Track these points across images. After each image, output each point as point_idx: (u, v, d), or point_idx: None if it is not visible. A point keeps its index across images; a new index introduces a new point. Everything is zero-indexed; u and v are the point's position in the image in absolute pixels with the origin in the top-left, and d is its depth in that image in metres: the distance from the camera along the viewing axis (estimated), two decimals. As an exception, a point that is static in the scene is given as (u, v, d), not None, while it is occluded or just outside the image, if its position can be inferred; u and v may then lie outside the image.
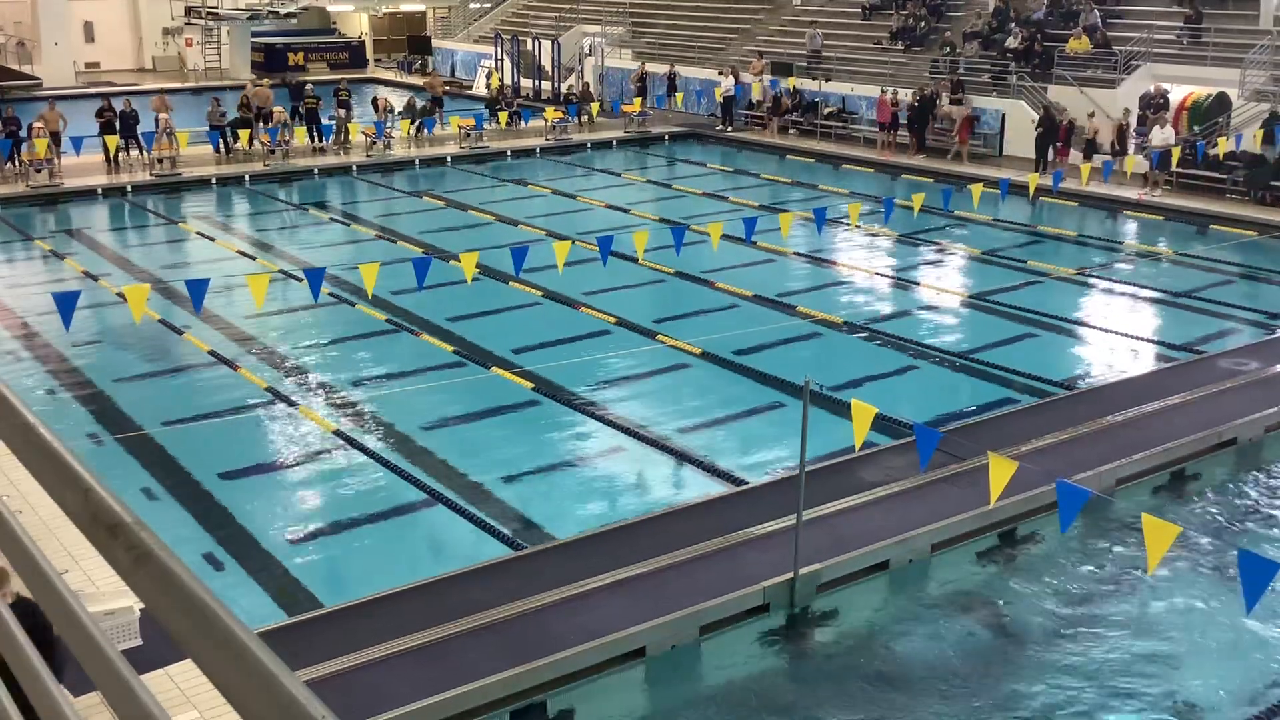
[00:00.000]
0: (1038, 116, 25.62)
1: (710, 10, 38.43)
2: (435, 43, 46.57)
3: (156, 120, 25.88)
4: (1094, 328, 16.12)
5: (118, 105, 26.43)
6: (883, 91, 27.98)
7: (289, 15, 47.52)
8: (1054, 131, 25.05)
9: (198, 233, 21.60)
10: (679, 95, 33.42)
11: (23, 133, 24.79)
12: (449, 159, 28.56)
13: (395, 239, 20.90)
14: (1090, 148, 24.16)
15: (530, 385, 13.41)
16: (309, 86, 29.50)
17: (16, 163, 24.45)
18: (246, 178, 26.07)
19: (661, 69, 34.17)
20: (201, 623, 1.65)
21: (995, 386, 13.75)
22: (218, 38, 43.82)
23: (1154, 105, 24.59)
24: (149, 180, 25.32)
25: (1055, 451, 11.17)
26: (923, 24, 31.54)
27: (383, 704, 7.27)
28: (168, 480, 11.15)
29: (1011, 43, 28.55)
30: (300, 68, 44.89)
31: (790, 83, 31.24)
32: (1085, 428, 11.79)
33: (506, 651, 7.89)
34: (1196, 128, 24.60)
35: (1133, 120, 24.82)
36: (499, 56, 38.87)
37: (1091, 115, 24.92)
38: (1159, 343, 15.45)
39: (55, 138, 24.88)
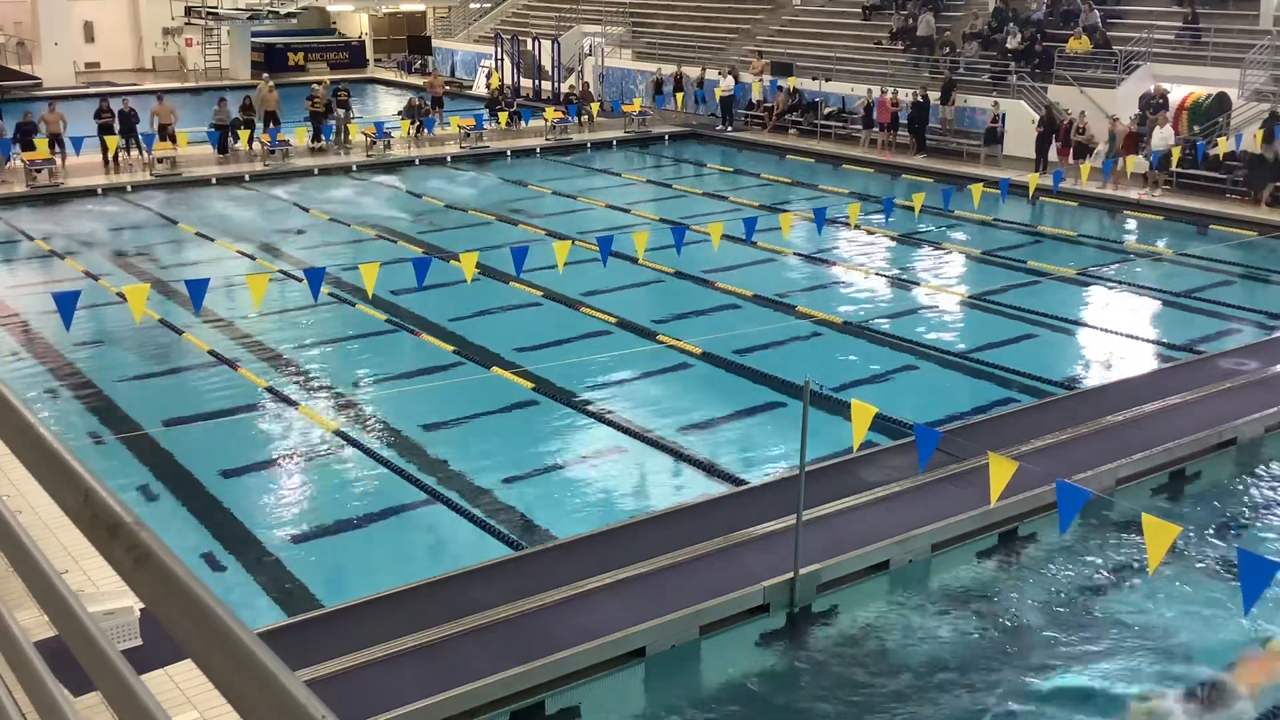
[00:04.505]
0: (1038, 116, 25.62)
1: (710, 10, 38.44)
2: (435, 43, 46.59)
3: (157, 125, 25.85)
4: (1094, 328, 16.12)
5: (115, 106, 26.42)
6: (883, 92, 27.93)
7: (289, 15, 47.51)
8: (1054, 131, 25.04)
9: (198, 233, 21.60)
10: (679, 96, 33.40)
11: (36, 136, 24.84)
12: (449, 159, 28.58)
13: (395, 239, 20.91)
14: (1082, 149, 24.10)
15: (530, 385, 13.41)
16: (313, 86, 29.52)
17: (22, 161, 24.45)
18: (246, 177, 26.10)
19: (669, 69, 34.06)
20: (201, 623, 1.65)
21: (995, 386, 13.75)
22: (218, 38, 43.81)
23: (1154, 105, 24.59)
24: (149, 180, 25.33)
25: (1055, 451, 11.17)
26: (923, 24, 31.52)
27: (383, 704, 7.27)
28: (168, 480, 11.15)
29: (1011, 43, 28.55)
30: (300, 68, 44.94)
31: (790, 83, 31.22)
32: (1085, 428, 11.79)
33: (506, 651, 7.89)
34: (1196, 128, 24.60)
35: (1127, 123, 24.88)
36: (499, 56, 38.88)
37: (1092, 115, 24.91)
38: (1159, 343, 15.46)
39: (57, 139, 24.90)
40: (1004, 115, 25.94)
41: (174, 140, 25.77)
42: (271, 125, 27.89)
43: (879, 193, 24.43)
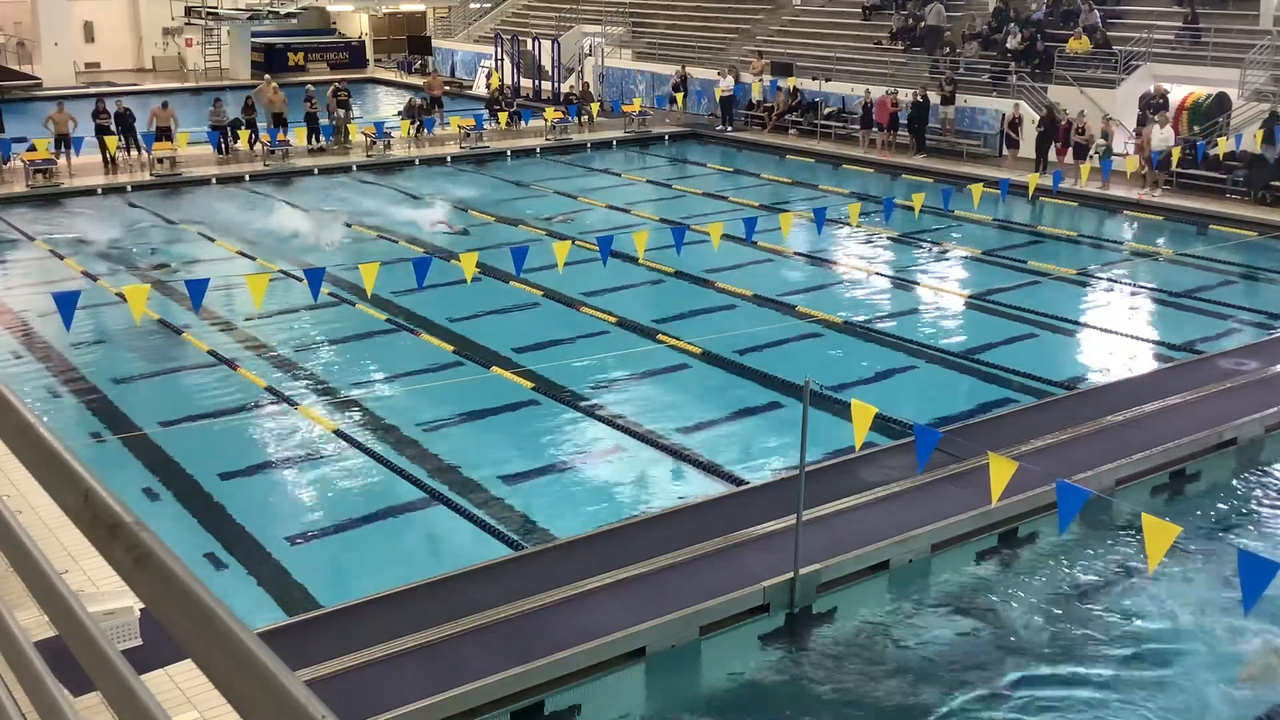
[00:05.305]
0: (1038, 116, 25.61)
1: (710, 10, 38.44)
2: (435, 43, 46.58)
3: (155, 127, 25.80)
4: (1094, 328, 16.12)
5: (110, 107, 26.36)
6: (886, 92, 27.86)
7: (289, 15, 47.51)
8: (1054, 131, 25.03)
9: (198, 233, 21.61)
10: (680, 96, 33.40)
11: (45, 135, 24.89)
12: (449, 159, 28.58)
13: (395, 239, 20.91)
14: (1082, 149, 24.07)
15: (530, 385, 13.41)
16: (307, 87, 29.53)
17: (22, 161, 24.47)
18: (247, 177, 26.11)
19: (672, 70, 34.08)
20: (201, 623, 1.65)
21: (995, 386, 13.75)
22: (218, 38, 43.82)
23: (1154, 105, 24.59)
24: (149, 180, 25.33)
25: (1055, 451, 11.17)
26: (922, 24, 31.52)
27: (383, 704, 7.27)
28: (168, 480, 11.15)
29: (1011, 43, 28.55)
30: (300, 68, 44.94)
31: (790, 83, 31.22)
32: (1085, 428, 11.79)
33: (506, 651, 7.89)
34: (1196, 128, 24.60)
35: (1131, 122, 24.89)
36: (499, 56, 38.89)
37: (1093, 115, 24.89)
38: (1159, 343, 15.46)
39: (64, 139, 24.90)
40: (1021, 119, 25.85)
41: (171, 139, 25.73)
42: (278, 126, 27.85)
43: (879, 193, 24.43)
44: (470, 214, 23.22)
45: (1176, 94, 25.22)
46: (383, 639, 7.97)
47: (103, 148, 25.60)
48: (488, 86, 36.29)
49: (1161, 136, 23.07)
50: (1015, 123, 25.83)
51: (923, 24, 31.34)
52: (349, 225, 22.04)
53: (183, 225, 22.21)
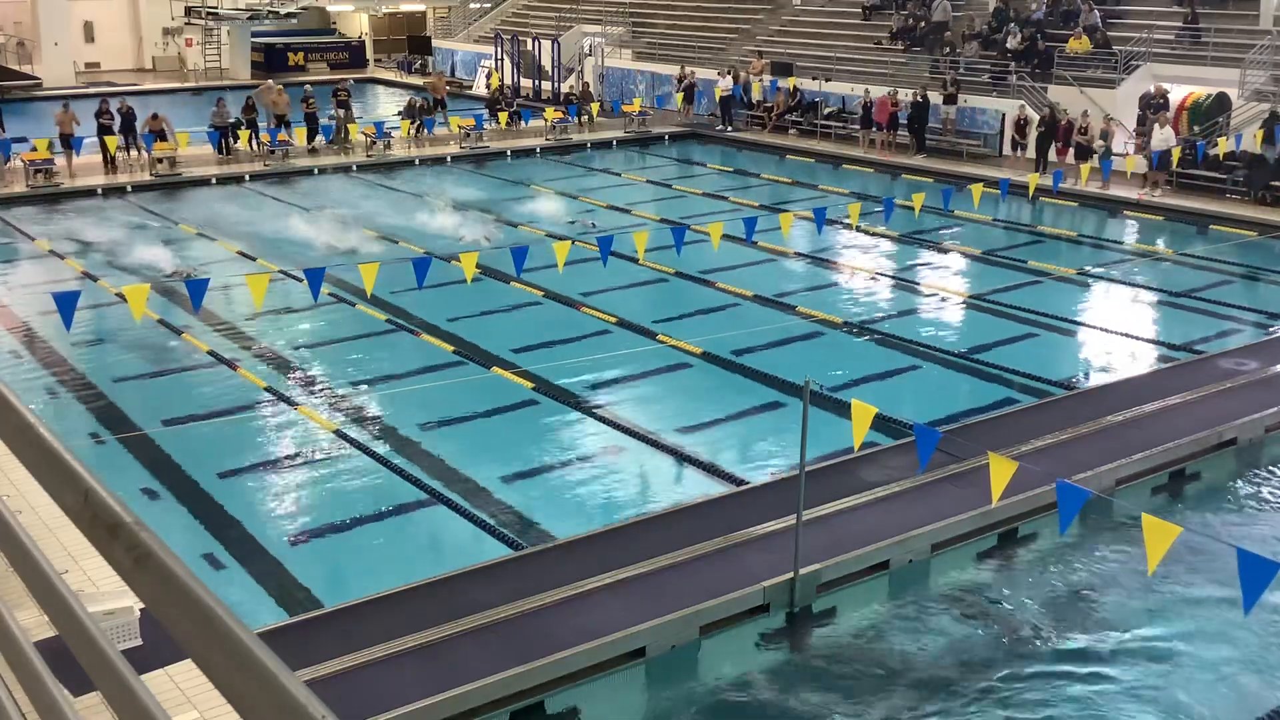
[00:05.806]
0: (1039, 117, 25.61)
1: (710, 10, 38.45)
2: (435, 43, 46.59)
3: (151, 130, 25.77)
4: (1094, 328, 16.12)
5: (113, 107, 26.34)
6: (889, 93, 27.84)
7: (289, 15, 47.51)
8: (1054, 131, 25.02)
9: (198, 233, 21.60)
10: (679, 95, 33.40)
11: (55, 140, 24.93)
12: (449, 159, 28.58)
13: (395, 239, 20.90)
14: (1083, 150, 24.07)
15: (530, 385, 13.41)
16: (305, 87, 29.53)
17: (22, 161, 24.49)
18: (247, 177, 26.10)
19: (671, 69, 34.09)
20: (201, 623, 1.65)
21: (995, 386, 13.75)
22: (218, 38, 43.82)
23: (1154, 105, 24.59)
24: (149, 180, 25.33)
25: (1055, 451, 11.17)
26: (923, 24, 31.53)
27: (383, 704, 7.27)
28: (168, 480, 11.15)
29: (1011, 43, 28.55)
30: (300, 68, 44.94)
31: (790, 83, 31.21)
32: (1085, 428, 11.79)
33: (506, 651, 7.89)
34: (1196, 128, 24.60)
35: (1131, 122, 24.88)
36: (499, 56, 38.89)
37: (1102, 116, 24.89)
38: (1159, 343, 15.46)
39: (66, 139, 24.90)
40: (1028, 120, 25.82)
41: (165, 139, 25.69)
42: (280, 126, 27.84)
43: (879, 193, 24.42)
44: (471, 213, 23.20)
45: (1176, 94, 25.22)
46: (383, 639, 7.98)
47: (103, 147, 25.60)
48: (488, 86, 36.30)
49: (1162, 136, 23.06)
50: (1022, 124, 25.82)
51: (924, 24, 31.34)
52: (351, 226, 22.02)
53: (182, 225, 22.19)
